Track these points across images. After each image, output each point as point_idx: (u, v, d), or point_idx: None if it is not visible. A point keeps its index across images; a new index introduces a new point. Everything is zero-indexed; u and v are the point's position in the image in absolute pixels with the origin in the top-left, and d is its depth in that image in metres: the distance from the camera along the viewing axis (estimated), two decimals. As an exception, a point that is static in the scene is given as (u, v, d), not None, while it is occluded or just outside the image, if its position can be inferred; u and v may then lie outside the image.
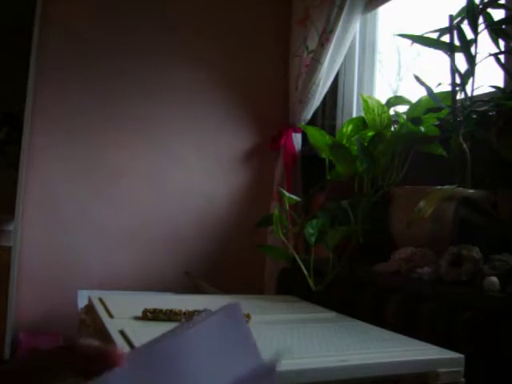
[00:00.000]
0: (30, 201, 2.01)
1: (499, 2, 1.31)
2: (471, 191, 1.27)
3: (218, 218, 2.27)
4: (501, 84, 1.41)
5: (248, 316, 1.11)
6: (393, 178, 1.54)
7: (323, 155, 1.79)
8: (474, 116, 1.33)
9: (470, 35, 1.30)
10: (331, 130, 2.16)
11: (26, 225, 2.01)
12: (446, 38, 1.35)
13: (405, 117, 1.54)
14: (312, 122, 2.16)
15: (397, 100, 1.65)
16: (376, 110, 1.60)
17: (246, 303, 1.36)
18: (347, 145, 1.71)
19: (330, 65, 2.04)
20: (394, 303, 1.21)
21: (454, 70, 1.33)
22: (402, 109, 1.65)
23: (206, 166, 2.28)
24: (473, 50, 1.29)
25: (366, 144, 1.58)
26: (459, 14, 1.34)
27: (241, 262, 2.22)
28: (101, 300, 1.26)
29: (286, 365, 0.82)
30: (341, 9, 1.94)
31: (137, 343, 0.86)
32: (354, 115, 2.15)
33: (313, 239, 1.45)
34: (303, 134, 2.15)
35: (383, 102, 1.62)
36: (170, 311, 1.10)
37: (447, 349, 0.95)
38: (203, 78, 2.28)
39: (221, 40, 2.30)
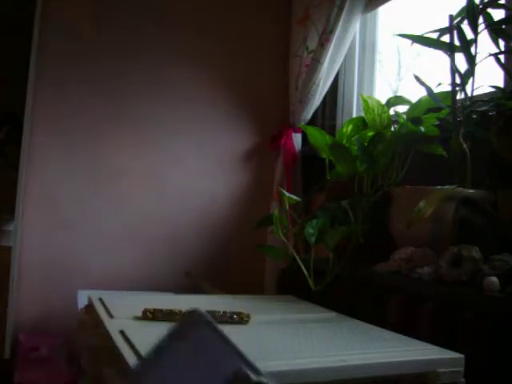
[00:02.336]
0: (29, 201, 2.01)
1: (499, 1, 1.31)
2: (471, 191, 1.26)
3: (218, 218, 2.27)
4: (501, 84, 1.41)
5: (248, 316, 1.11)
6: (393, 178, 1.54)
7: (323, 155, 1.79)
8: (474, 116, 1.33)
9: (470, 35, 1.30)
10: (331, 129, 2.16)
11: (26, 225, 2.01)
12: (446, 38, 1.35)
13: (405, 117, 1.54)
14: (312, 122, 2.16)
15: (397, 100, 1.65)
16: (376, 109, 1.60)
17: (246, 303, 1.36)
18: (347, 145, 1.71)
19: (330, 65, 2.04)
20: (394, 303, 1.21)
21: (454, 70, 1.33)
22: (402, 109, 1.65)
23: (206, 166, 2.28)
24: (473, 49, 1.29)
25: (365, 144, 1.58)
26: (459, 14, 1.34)
27: (241, 262, 2.22)
28: (101, 300, 1.26)
29: (286, 365, 0.82)
30: (341, 9, 1.94)
31: (137, 343, 0.86)
32: (354, 115, 2.16)
33: (313, 239, 1.45)
34: (303, 134, 2.15)
35: (383, 102, 1.62)
36: (170, 311, 1.10)
37: (447, 349, 0.95)
38: (203, 78, 2.28)
39: (221, 40, 2.30)
